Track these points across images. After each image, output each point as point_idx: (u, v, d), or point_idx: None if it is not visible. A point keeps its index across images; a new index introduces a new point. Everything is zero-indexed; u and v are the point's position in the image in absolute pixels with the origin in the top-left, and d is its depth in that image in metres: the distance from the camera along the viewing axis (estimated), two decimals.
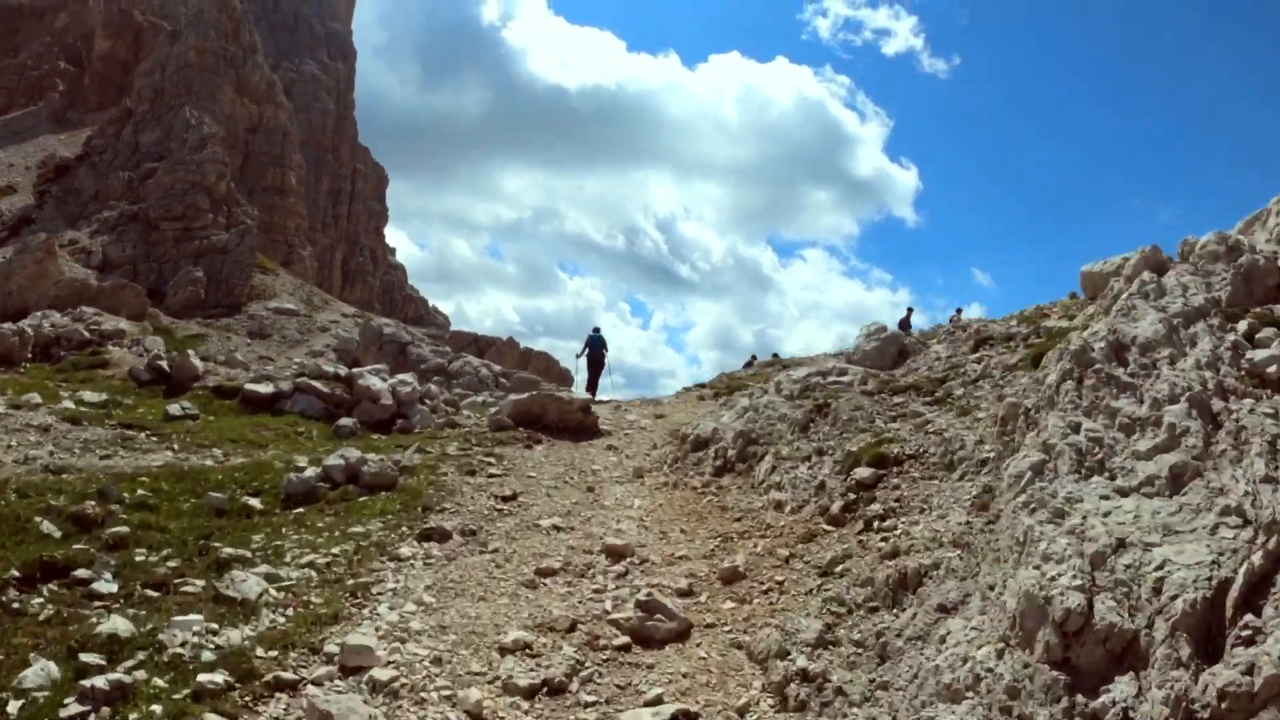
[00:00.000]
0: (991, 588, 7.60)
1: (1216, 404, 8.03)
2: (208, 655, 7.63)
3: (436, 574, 10.20)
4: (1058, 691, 6.21)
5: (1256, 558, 6.14)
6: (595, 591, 10.00)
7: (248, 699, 7.14)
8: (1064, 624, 6.42)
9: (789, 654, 8.08)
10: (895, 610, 8.45)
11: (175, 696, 6.99)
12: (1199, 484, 7.27)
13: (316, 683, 7.44)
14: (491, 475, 14.61)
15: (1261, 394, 7.99)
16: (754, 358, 34.59)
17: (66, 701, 6.85)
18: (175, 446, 16.37)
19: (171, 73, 62.42)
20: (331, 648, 7.98)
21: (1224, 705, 5.46)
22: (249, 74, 64.55)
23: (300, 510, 12.36)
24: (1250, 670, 5.51)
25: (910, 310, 33.56)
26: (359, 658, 7.77)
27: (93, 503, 11.34)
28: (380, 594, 9.43)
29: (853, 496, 11.49)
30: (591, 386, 27.04)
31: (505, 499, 13.26)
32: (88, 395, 19.34)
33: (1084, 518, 7.32)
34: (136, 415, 18.51)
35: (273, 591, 9.23)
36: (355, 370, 22.17)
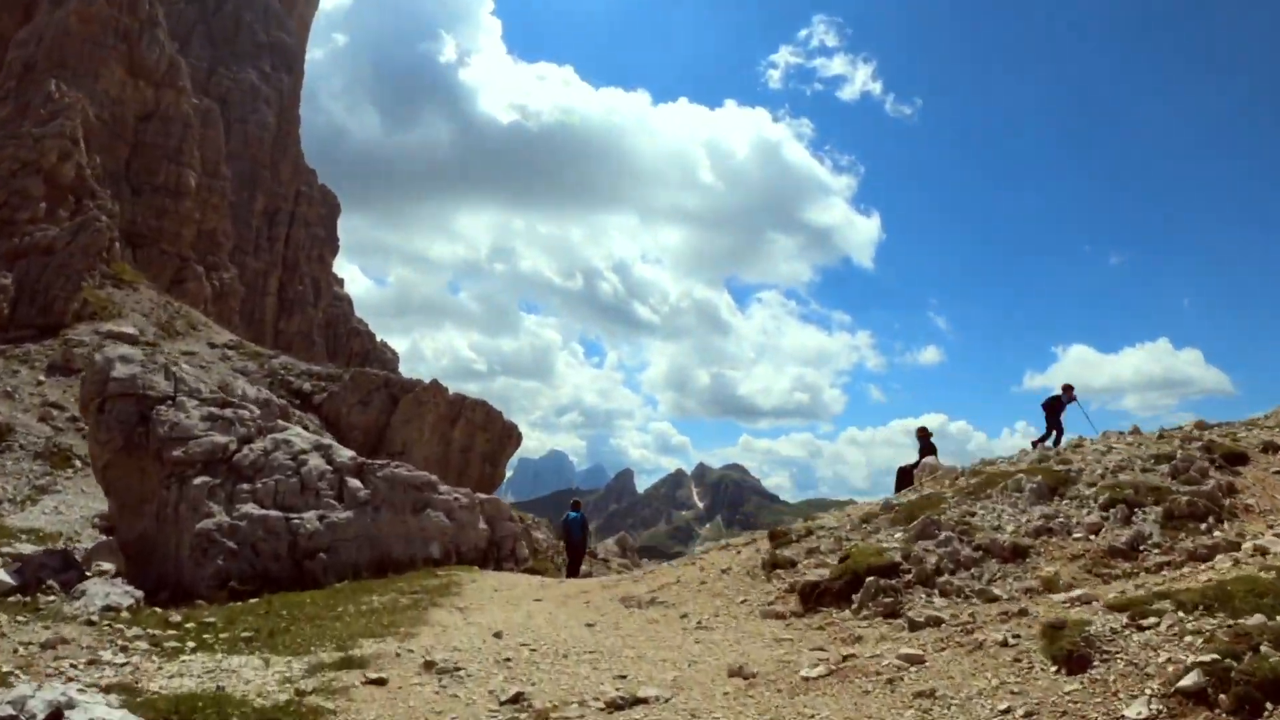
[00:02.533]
0: None
1: None
2: None
3: None
4: None
5: None
6: None
7: None
8: None
9: None
10: None
11: None
12: None
13: None
14: None
15: None
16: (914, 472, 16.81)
17: None
18: None
19: (47, 41, 47.05)
20: None
21: None
22: (145, 51, 49.36)
23: None
24: None
25: (1067, 389, 20.41)
26: None
27: None
28: None
29: None
30: (572, 570, 21.23)
31: None
32: None
33: None
34: None
35: None
36: None
